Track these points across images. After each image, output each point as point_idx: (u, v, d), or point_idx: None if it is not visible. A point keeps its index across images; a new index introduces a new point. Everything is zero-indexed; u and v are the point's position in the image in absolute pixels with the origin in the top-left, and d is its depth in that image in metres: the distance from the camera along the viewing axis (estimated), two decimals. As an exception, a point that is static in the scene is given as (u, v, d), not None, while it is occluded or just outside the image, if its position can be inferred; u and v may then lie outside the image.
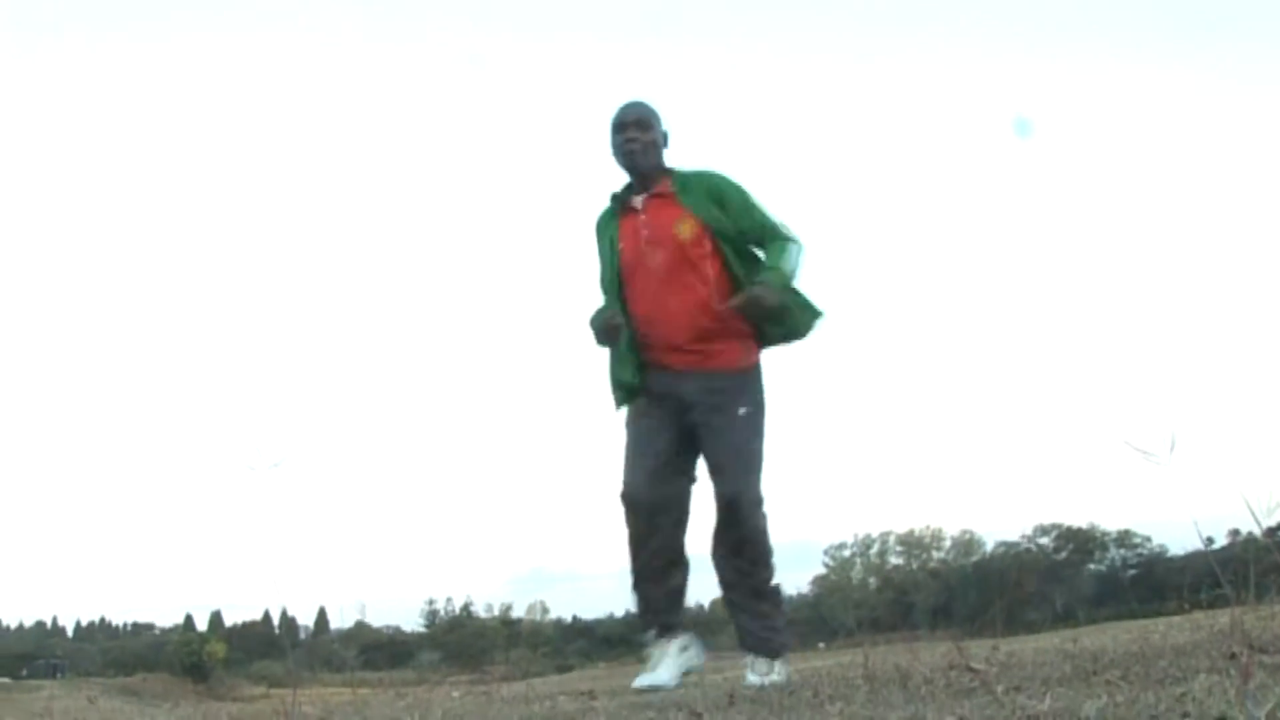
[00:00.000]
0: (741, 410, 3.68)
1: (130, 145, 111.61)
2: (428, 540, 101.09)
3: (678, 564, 3.77)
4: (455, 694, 5.02)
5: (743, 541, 3.64)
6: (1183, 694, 1.91)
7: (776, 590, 3.77)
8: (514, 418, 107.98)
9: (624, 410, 3.83)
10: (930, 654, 3.72)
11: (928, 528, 66.91)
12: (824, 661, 6.35)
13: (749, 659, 3.66)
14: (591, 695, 3.71)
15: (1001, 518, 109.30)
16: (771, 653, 3.65)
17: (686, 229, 3.70)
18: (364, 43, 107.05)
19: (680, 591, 3.83)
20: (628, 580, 3.80)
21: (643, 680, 3.67)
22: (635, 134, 3.78)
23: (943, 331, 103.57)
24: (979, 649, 4.29)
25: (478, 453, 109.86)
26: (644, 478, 3.69)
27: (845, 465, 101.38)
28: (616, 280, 3.79)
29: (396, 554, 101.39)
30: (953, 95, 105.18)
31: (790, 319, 3.75)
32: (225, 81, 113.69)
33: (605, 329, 3.69)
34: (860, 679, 2.93)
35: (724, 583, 3.75)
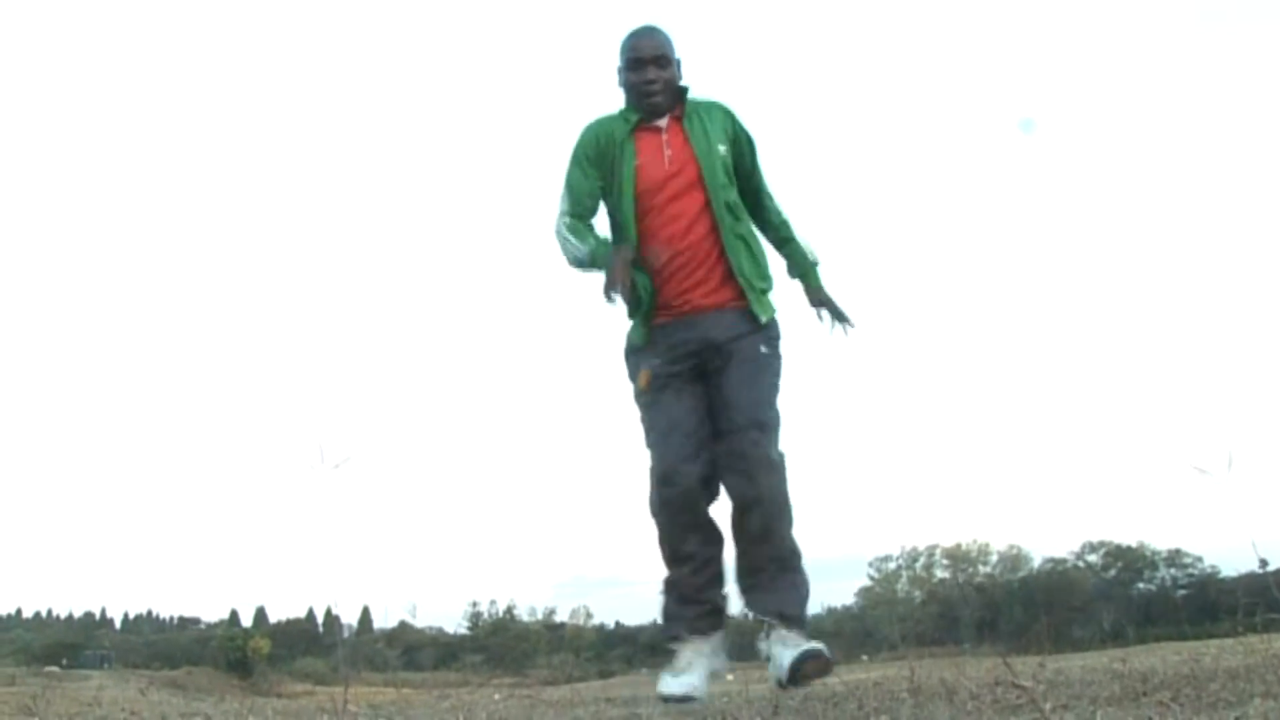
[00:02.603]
0: (762, 348, 3.43)
1: (204, 150, 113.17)
2: (473, 543, 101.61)
3: (718, 546, 3.42)
4: (497, 696, 5.04)
5: (759, 498, 3.28)
6: (1236, 719, 1.88)
7: (798, 557, 3.39)
8: (563, 423, 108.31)
9: (641, 378, 3.46)
10: (976, 669, 3.68)
11: (974, 542, 66.19)
12: (868, 674, 6.30)
13: (771, 632, 3.28)
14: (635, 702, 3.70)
15: (1049, 534, 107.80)
16: (800, 622, 3.31)
17: (711, 156, 3.45)
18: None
19: (720, 579, 3.44)
20: (661, 580, 3.46)
21: (671, 686, 3.31)
22: (655, 74, 3.46)
23: (994, 345, 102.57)
24: (1025, 665, 4.25)
25: (526, 457, 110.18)
26: (689, 453, 3.34)
27: (892, 478, 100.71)
28: (634, 205, 3.43)
29: (441, 556, 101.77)
30: (958, 94, 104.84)
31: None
32: (240, 78, 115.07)
33: (618, 271, 3.27)
34: (905, 692, 2.91)
35: (740, 550, 3.37)
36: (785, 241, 3.66)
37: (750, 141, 3.59)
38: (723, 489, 3.38)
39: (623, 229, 3.47)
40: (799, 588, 3.38)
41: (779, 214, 3.65)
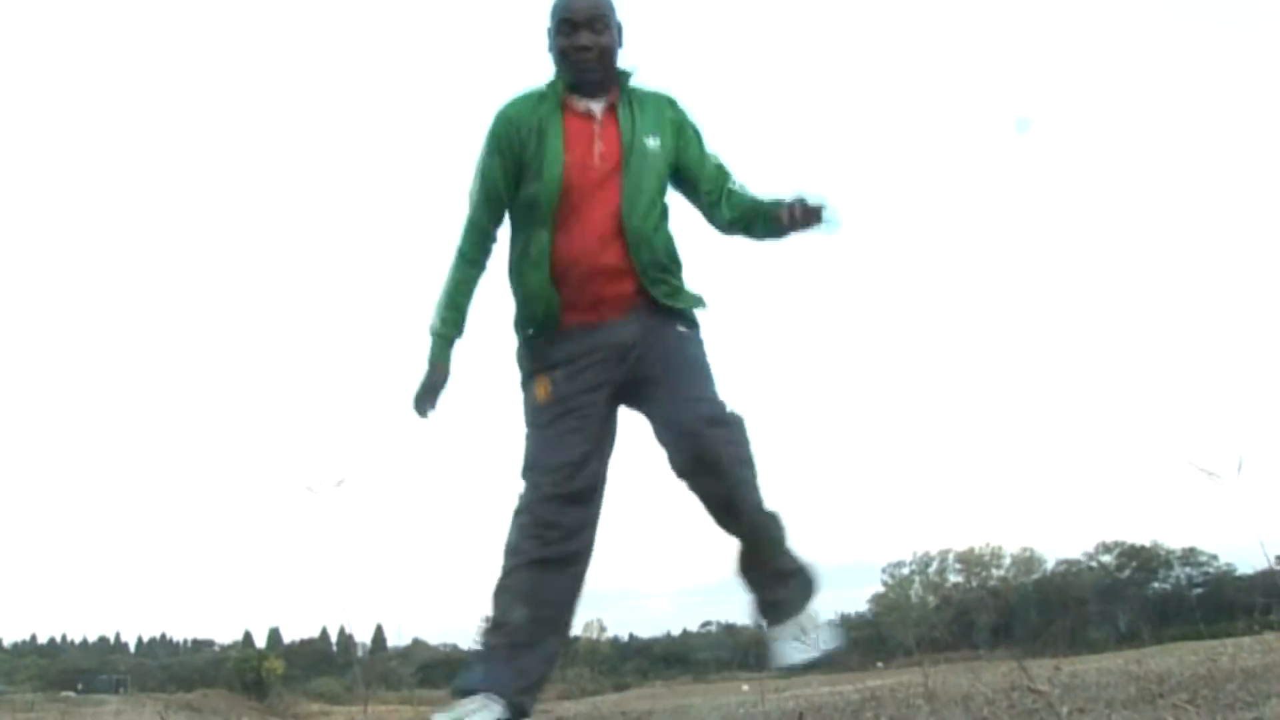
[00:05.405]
0: (695, 347, 2.87)
1: (233, 167, 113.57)
2: (484, 558, 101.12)
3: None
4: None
5: (718, 464, 2.71)
6: (1254, 719, 1.88)
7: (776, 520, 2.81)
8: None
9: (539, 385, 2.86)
10: (991, 674, 3.67)
11: (987, 545, 66.01)
12: (883, 681, 6.30)
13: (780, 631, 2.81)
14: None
15: (1062, 535, 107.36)
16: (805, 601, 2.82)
17: (649, 152, 2.82)
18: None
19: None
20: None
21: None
22: (589, 39, 2.80)
23: (1002, 347, 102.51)
24: (1041, 669, 4.24)
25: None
26: (580, 479, 2.80)
27: (904, 483, 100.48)
28: (556, 204, 2.76)
29: (453, 571, 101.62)
30: (954, 94, 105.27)
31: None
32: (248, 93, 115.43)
33: (430, 387, 2.90)
34: (921, 699, 2.91)
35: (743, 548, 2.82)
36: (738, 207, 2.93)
37: (699, 133, 2.98)
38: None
39: (530, 238, 2.83)
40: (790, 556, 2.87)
41: (737, 189, 2.95)
